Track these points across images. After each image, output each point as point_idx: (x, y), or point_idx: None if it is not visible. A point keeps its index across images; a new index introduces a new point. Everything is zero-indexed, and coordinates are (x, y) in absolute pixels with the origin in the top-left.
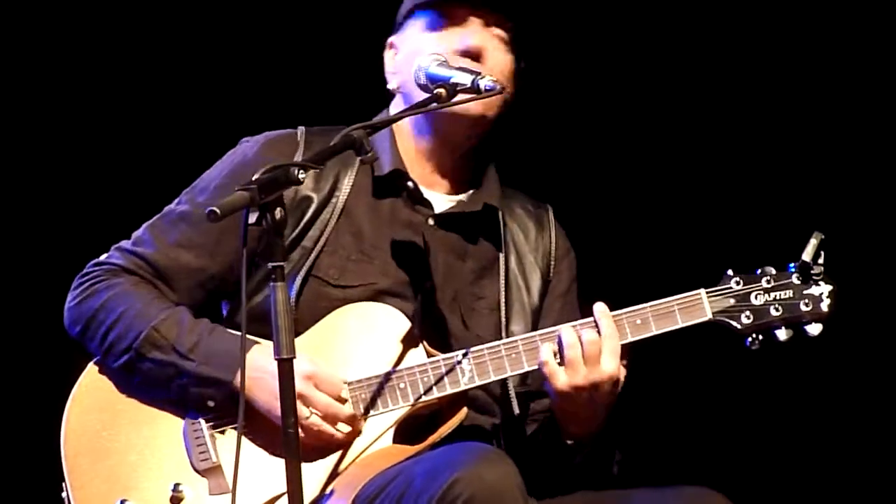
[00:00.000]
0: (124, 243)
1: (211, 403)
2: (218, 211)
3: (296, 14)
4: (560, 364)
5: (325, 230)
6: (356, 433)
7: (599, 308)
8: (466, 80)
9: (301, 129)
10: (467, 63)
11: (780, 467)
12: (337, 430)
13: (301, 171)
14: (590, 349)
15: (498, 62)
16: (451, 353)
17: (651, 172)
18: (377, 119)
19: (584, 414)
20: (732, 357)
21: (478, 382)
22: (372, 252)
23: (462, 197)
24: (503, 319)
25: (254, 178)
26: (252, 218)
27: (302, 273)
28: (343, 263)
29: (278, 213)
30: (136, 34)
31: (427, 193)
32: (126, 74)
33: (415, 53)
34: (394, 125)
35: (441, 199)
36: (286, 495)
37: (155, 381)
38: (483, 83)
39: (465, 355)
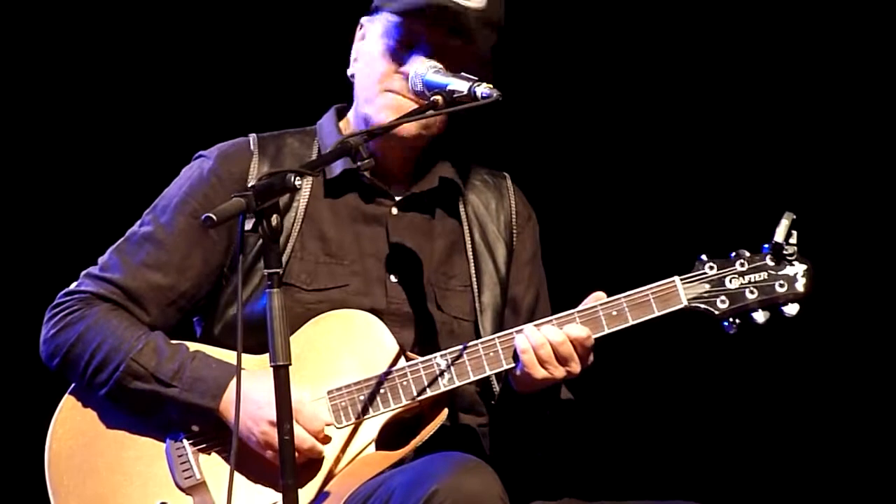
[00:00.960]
0: (92, 269)
1: (195, 428)
2: (214, 217)
3: (272, 15)
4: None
5: (291, 237)
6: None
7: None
8: (463, 87)
9: (252, 137)
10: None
11: (766, 473)
12: (313, 455)
13: (297, 178)
14: (562, 349)
15: (414, 89)
16: (429, 356)
17: (615, 161)
18: (323, 122)
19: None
20: (717, 355)
21: (458, 383)
22: (339, 253)
23: (419, 180)
24: (475, 294)
25: (250, 185)
26: (248, 225)
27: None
28: (313, 268)
29: (274, 219)
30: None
31: (381, 183)
32: (112, 80)
33: (366, 57)
34: (340, 123)
35: (399, 185)
36: None
37: (139, 408)
38: (480, 90)
39: (443, 357)
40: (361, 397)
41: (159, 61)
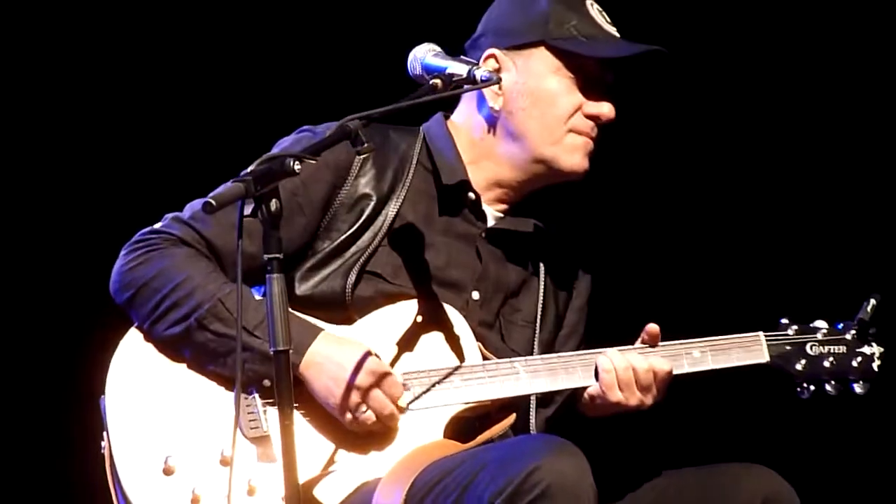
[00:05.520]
0: (180, 215)
1: (267, 383)
2: (213, 202)
3: (293, 13)
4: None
5: (381, 230)
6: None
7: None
8: (462, 70)
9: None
10: (587, 127)
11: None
12: (388, 426)
13: (296, 163)
14: (643, 377)
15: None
16: (506, 359)
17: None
18: (431, 127)
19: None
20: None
21: (532, 390)
22: (426, 255)
23: (515, 214)
24: (536, 333)
25: (248, 170)
26: (247, 210)
27: (357, 267)
28: (398, 263)
29: (273, 204)
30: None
31: (485, 206)
32: (114, 74)
33: (538, 89)
34: (465, 143)
35: (494, 212)
36: (329, 475)
37: (210, 354)
38: (479, 73)
39: (522, 363)
40: (437, 385)
41: (159, 61)
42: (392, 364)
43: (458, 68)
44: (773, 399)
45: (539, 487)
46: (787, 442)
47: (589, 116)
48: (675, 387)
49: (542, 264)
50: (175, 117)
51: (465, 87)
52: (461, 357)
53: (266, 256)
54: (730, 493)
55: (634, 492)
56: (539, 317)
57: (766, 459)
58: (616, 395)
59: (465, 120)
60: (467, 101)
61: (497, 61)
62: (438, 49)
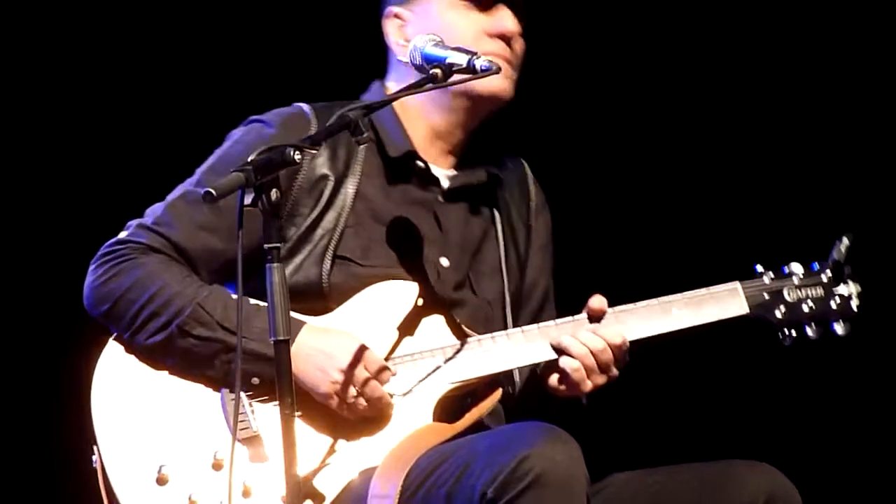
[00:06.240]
0: (144, 221)
1: (255, 381)
2: (214, 192)
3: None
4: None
5: (344, 211)
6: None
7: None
8: (462, 60)
9: (306, 106)
10: (498, 47)
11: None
12: (380, 409)
13: (296, 152)
14: (602, 356)
15: (520, 50)
16: (489, 335)
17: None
18: (371, 97)
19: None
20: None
21: (517, 363)
22: (390, 233)
23: (465, 168)
24: (505, 279)
25: (249, 159)
26: (248, 199)
27: (329, 254)
28: (366, 244)
29: (274, 194)
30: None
31: (435, 170)
32: (104, 66)
33: (441, 28)
34: (399, 104)
35: (446, 174)
36: (325, 467)
37: (194, 359)
38: (479, 63)
39: (504, 336)
40: (421, 367)
41: (147, 52)
42: (378, 349)
43: (458, 58)
44: (776, 396)
45: (530, 476)
46: (791, 440)
47: (494, 36)
48: (675, 382)
49: (496, 210)
50: (144, 122)
51: (466, 76)
52: (443, 336)
53: (266, 246)
54: (732, 490)
55: (636, 487)
56: (503, 261)
57: (769, 457)
58: (586, 386)
59: (394, 80)
60: (391, 64)
61: (400, 18)
62: (439, 38)
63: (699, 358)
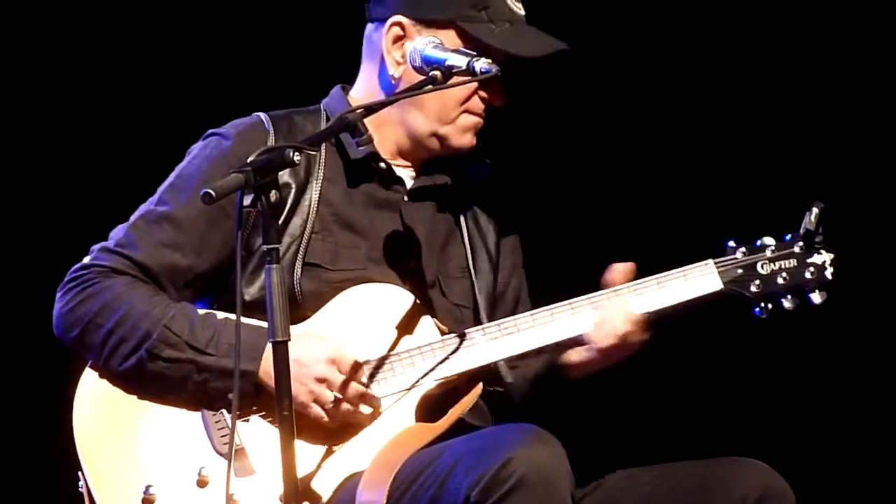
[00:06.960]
0: (107, 244)
1: (231, 396)
2: (213, 193)
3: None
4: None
5: (309, 217)
6: (377, 414)
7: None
8: (462, 62)
9: (263, 116)
10: (476, 118)
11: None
12: (361, 412)
13: (296, 154)
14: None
15: None
16: (466, 331)
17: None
18: (331, 102)
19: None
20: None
21: (496, 357)
22: (357, 236)
23: (430, 170)
24: (474, 281)
25: (248, 161)
26: (247, 200)
27: (299, 261)
28: (334, 249)
29: (273, 195)
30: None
31: (398, 171)
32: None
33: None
34: (351, 105)
35: (410, 175)
36: (312, 476)
37: (168, 381)
38: (479, 66)
39: (480, 332)
40: (399, 369)
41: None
42: (358, 353)
43: (457, 60)
44: (769, 394)
45: (514, 478)
46: (784, 437)
47: (483, 100)
48: (668, 380)
49: (462, 213)
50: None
51: (464, 78)
52: (418, 336)
53: (265, 247)
54: (725, 488)
55: (629, 486)
56: (471, 263)
57: (762, 455)
58: (610, 360)
59: (366, 90)
60: (368, 71)
61: (402, 29)
62: (438, 41)
63: (691, 356)
